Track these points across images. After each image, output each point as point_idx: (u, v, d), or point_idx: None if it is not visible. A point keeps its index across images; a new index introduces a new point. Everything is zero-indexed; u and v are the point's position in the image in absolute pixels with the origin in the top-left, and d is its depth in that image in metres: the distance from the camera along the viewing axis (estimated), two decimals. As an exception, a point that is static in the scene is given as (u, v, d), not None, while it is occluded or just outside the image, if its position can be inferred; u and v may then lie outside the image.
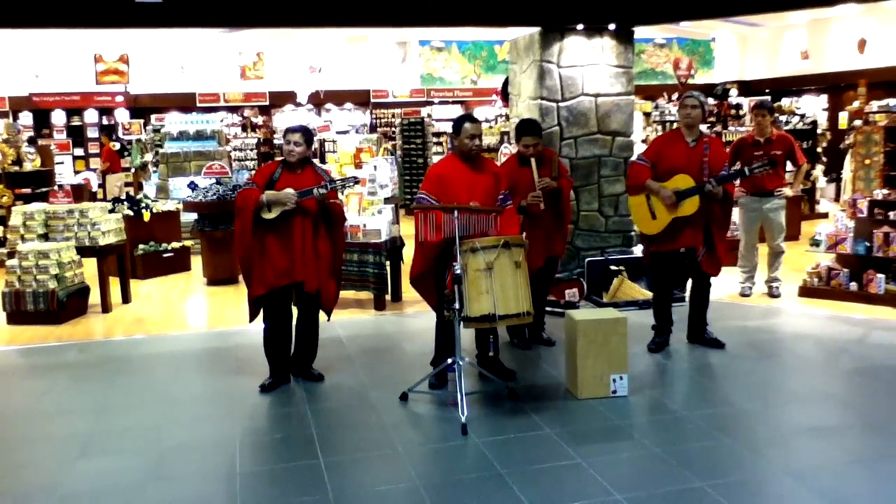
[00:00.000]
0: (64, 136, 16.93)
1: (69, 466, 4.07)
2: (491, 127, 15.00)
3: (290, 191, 4.85)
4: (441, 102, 18.64)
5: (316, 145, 13.47)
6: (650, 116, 14.32)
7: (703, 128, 5.77)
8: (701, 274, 5.67)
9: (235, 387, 5.22)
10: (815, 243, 7.50)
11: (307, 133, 5.07)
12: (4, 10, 6.15)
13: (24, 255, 7.08)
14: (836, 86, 16.08)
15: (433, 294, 4.98)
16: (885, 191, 7.48)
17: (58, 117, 16.95)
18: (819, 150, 12.69)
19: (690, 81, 15.94)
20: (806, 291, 7.30)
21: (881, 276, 6.92)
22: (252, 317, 5.14)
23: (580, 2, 7.12)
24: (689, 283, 5.84)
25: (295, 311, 5.21)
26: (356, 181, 5.43)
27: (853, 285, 7.09)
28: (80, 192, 11.80)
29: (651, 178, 5.49)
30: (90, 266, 7.60)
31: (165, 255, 9.38)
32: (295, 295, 5.14)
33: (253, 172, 6.96)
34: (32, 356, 6.22)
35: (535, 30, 7.27)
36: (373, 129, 17.79)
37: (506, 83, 8.70)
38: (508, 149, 5.64)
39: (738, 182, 7.09)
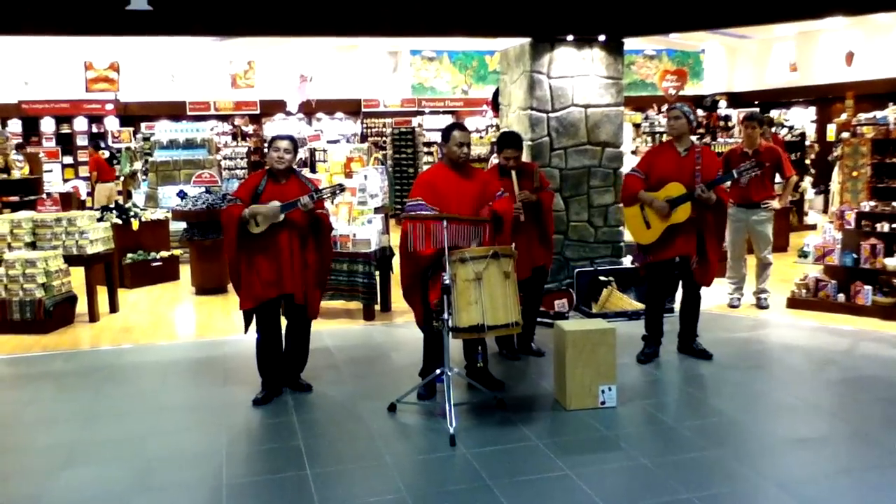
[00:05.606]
0: (53, 143, 16.85)
1: (54, 476, 4.04)
2: (481, 137, 15.03)
3: (274, 204, 4.83)
4: (432, 112, 18.70)
5: (306, 154, 13.45)
6: (640, 127, 14.40)
7: (692, 139, 5.82)
8: (692, 284, 5.69)
9: (223, 397, 5.20)
10: (804, 255, 7.53)
11: (295, 141, 5.10)
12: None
13: (11, 263, 7.03)
14: (824, 98, 16.20)
15: (420, 308, 4.96)
16: (873, 203, 7.53)
17: (47, 125, 16.87)
18: (807, 161, 12.77)
19: (681, 93, 16.00)
20: (794, 303, 7.33)
21: (868, 287, 6.96)
22: (247, 328, 5.13)
23: (570, 13, 7.15)
24: (679, 293, 5.86)
25: (283, 321, 5.19)
26: (342, 189, 5.39)
27: (841, 297, 7.13)
28: (69, 201, 11.75)
29: (644, 188, 5.54)
30: (77, 275, 7.55)
31: (154, 264, 9.33)
32: (284, 305, 5.13)
33: (242, 181, 6.93)
34: (18, 365, 6.17)
35: (526, 40, 7.30)
36: (363, 138, 17.78)
37: (496, 93, 8.72)
38: (498, 159, 5.69)
39: (728, 191, 7.14)
